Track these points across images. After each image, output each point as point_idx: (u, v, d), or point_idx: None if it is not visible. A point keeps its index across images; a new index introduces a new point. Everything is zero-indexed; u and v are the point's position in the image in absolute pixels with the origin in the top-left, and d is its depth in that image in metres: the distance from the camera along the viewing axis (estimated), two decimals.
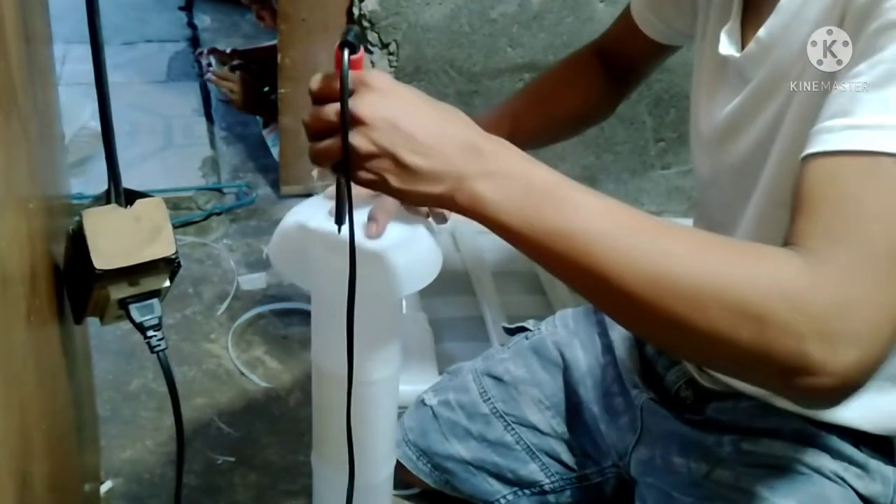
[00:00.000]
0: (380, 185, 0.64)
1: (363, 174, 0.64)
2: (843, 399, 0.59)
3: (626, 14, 1.04)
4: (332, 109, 0.63)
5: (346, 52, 0.62)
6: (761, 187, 0.79)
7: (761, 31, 0.76)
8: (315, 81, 0.66)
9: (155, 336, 0.74)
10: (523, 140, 1.05)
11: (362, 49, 0.64)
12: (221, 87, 2.10)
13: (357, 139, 0.62)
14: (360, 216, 0.84)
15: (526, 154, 0.64)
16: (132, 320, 0.74)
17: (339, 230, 0.75)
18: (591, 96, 1.09)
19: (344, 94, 0.62)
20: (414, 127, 0.62)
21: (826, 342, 0.55)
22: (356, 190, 0.67)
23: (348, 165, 0.64)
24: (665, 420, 0.95)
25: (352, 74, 0.63)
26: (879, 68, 0.60)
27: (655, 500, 0.93)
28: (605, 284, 0.60)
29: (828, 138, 0.61)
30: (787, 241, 0.61)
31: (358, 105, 0.62)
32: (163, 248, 0.71)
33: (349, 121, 0.62)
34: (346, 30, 0.63)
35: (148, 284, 0.73)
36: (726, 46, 0.81)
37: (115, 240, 0.70)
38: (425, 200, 0.64)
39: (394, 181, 0.63)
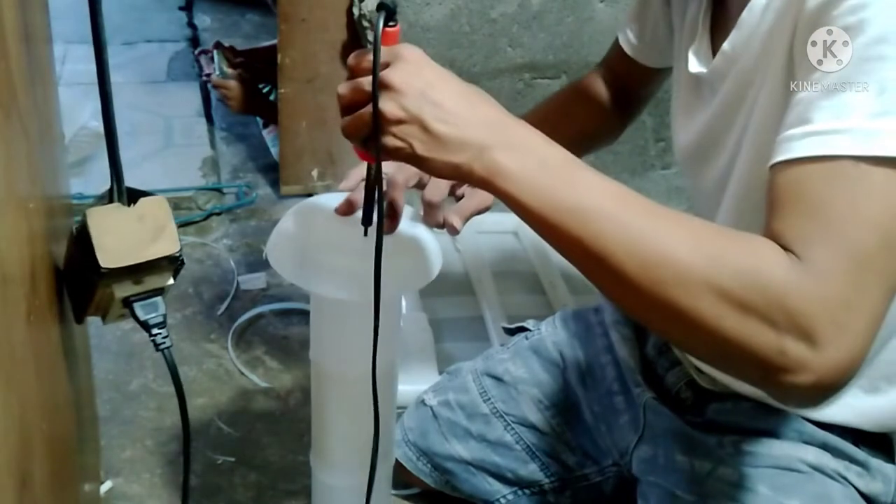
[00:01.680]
0: (405, 153, 0.66)
1: (390, 140, 0.66)
2: (824, 398, 0.60)
3: (617, 43, 1.06)
4: (366, 81, 0.66)
5: (381, 17, 0.65)
6: (731, 193, 0.80)
7: (725, 45, 0.79)
8: (352, 56, 0.69)
9: (160, 334, 0.74)
10: None
11: (399, 26, 0.67)
12: (219, 93, 2.10)
13: (387, 104, 0.65)
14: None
15: (540, 133, 0.66)
16: (136, 318, 0.74)
17: (366, 232, 0.78)
18: (597, 116, 1.10)
19: (376, 55, 0.64)
20: (442, 97, 0.65)
21: (803, 339, 0.57)
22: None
23: (377, 130, 0.66)
24: (668, 418, 0.95)
25: (386, 48, 0.65)
26: (832, 76, 0.63)
27: (658, 498, 0.93)
28: (604, 262, 0.62)
29: (790, 146, 0.63)
30: None
31: (389, 73, 0.65)
32: (167, 245, 0.72)
33: (380, 88, 0.65)
34: None
35: (152, 282, 0.73)
36: (695, 64, 0.84)
37: (120, 238, 0.70)
38: (445, 170, 0.66)
39: (419, 148, 0.65)
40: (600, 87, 1.11)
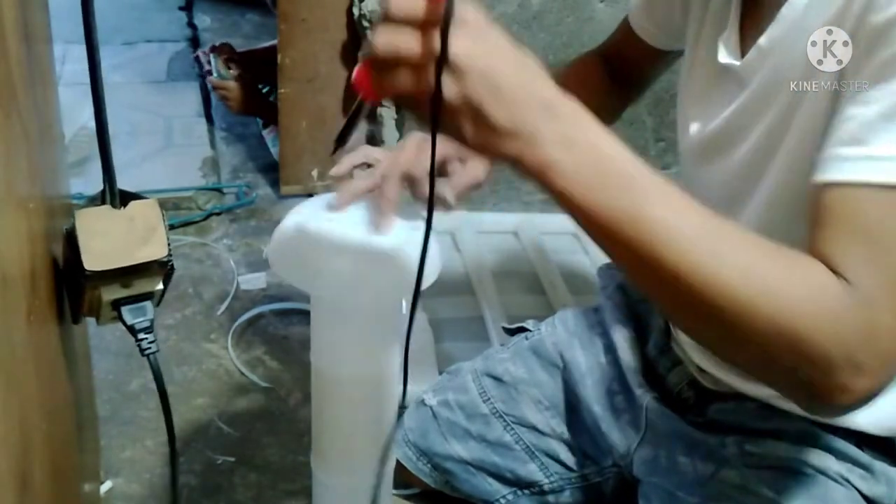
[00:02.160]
0: (453, 134, 0.59)
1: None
2: (853, 411, 0.62)
3: (626, 21, 1.05)
4: (415, 38, 0.56)
5: None
6: (764, 192, 0.79)
7: (762, 39, 0.77)
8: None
9: (146, 339, 0.73)
10: None
11: None
12: (218, 94, 2.10)
13: (445, 85, 0.56)
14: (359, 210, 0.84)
15: (598, 122, 0.60)
16: (124, 322, 0.73)
17: (335, 150, 0.67)
18: (597, 99, 1.07)
19: (445, 29, 0.55)
20: (502, 78, 0.57)
21: (852, 369, 0.58)
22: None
23: (439, 109, 0.57)
24: (670, 419, 0.94)
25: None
26: (893, 98, 0.61)
27: (660, 499, 0.93)
28: (660, 274, 0.59)
29: (845, 167, 0.62)
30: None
31: (452, 45, 0.55)
32: (155, 249, 0.71)
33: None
34: None
35: (141, 286, 0.72)
36: (725, 55, 0.82)
37: (108, 241, 0.69)
38: (492, 156, 0.61)
39: (469, 132, 0.58)
40: (600, 69, 1.09)
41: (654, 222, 0.58)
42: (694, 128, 0.89)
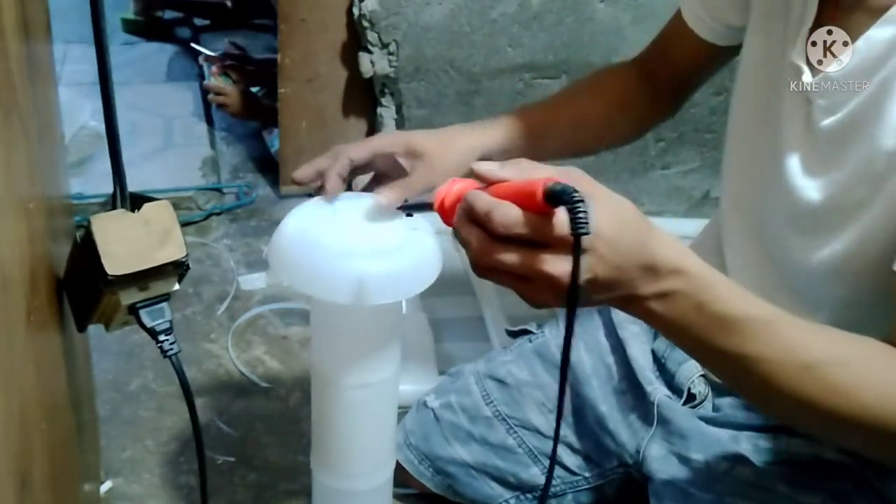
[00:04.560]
0: (543, 294, 0.63)
1: (539, 297, 0.63)
2: None
3: (677, 15, 0.99)
4: (538, 258, 0.59)
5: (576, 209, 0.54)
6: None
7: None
8: (512, 216, 0.59)
9: (167, 340, 0.74)
10: (546, 150, 1.05)
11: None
12: (215, 102, 2.10)
13: (559, 263, 0.58)
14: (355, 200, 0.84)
15: (700, 264, 0.63)
16: (143, 325, 0.73)
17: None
18: (617, 105, 1.04)
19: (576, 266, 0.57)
20: (616, 245, 0.59)
21: None
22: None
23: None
24: (683, 415, 0.94)
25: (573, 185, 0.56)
26: None
27: (673, 497, 0.92)
28: (762, 399, 0.68)
29: None
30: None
31: (602, 253, 0.59)
32: (173, 250, 0.72)
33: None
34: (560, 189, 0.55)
35: (158, 288, 0.73)
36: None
37: (126, 245, 0.70)
38: (588, 304, 0.63)
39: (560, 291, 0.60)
40: (632, 77, 1.04)
41: (750, 359, 0.63)
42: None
